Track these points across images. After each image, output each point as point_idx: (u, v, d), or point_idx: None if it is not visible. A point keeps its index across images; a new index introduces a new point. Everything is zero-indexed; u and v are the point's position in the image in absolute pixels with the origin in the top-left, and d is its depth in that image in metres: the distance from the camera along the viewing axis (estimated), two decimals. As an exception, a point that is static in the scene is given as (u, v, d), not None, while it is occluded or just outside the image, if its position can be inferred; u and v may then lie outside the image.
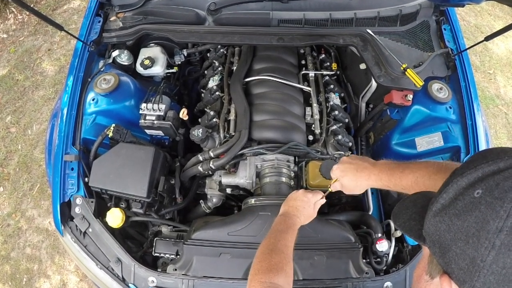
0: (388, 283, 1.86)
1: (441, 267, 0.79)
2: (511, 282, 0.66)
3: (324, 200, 1.80)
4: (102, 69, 2.43)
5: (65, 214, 2.07)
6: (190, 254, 1.86)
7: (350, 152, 2.30)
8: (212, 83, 2.57)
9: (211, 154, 2.15)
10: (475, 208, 0.70)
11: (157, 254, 2.03)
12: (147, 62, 2.55)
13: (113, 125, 2.13)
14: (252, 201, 2.00)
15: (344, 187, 1.63)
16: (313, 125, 2.33)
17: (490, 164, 0.74)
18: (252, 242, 1.83)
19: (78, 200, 2.07)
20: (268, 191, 2.07)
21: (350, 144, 2.33)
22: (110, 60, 2.53)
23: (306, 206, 1.73)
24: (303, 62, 2.74)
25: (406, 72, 2.18)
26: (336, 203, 2.44)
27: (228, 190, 2.25)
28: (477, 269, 0.68)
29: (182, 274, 1.85)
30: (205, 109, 2.48)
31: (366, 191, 2.35)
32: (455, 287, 0.75)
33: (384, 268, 1.99)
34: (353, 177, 1.57)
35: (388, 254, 2.00)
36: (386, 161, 1.50)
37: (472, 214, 0.70)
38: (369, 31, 2.32)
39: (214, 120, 2.29)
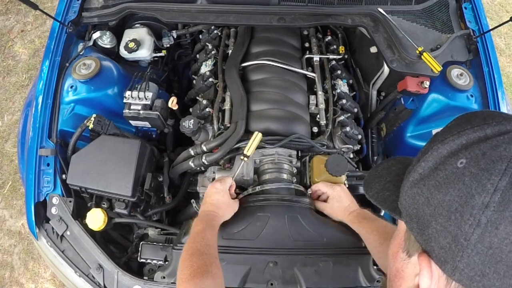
0: (402, 292, 1.86)
1: (419, 244, 0.78)
2: (498, 263, 0.66)
3: (234, 186, 1.93)
4: (81, 53, 2.42)
5: (40, 215, 2.07)
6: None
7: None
8: (205, 68, 2.56)
9: (204, 148, 2.14)
10: (458, 180, 0.70)
11: (143, 260, 2.02)
12: (132, 45, 2.53)
13: (94, 115, 2.13)
14: (249, 200, 2.00)
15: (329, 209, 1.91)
16: (318, 116, 2.32)
17: (476, 130, 0.73)
18: (250, 246, 1.82)
19: (55, 200, 2.07)
20: (268, 190, 2.06)
21: (360, 136, 2.32)
22: (91, 43, 2.52)
23: (219, 196, 1.81)
24: (306, 45, 2.73)
25: (422, 56, 2.17)
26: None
27: (223, 188, 2.24)
28: (460, 248, 0.68)
29: (171, 283, 1.84)
30: (197, 98, 2.47)
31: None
32: (435, 268, 0.74)
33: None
34: (338, 197, 1.91)
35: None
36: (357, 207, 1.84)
37: (454, 187, 0.70)
38: (380, 10, 2.31)
39: (207, 109, 2.28)
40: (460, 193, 0.68)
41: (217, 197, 1.81)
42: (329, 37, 2.78)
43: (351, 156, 2.37)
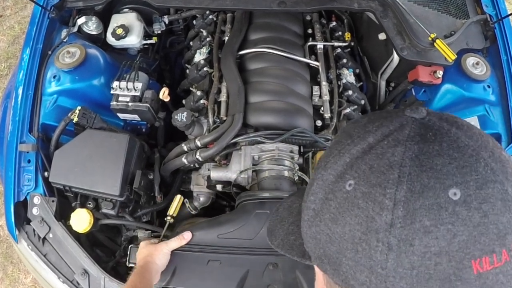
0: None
1: (339, 286, 0.73)
2: (429, 280, 0.61)
3: (188, 235, 1.88)
4: (65, 40, 2.41)
5: (20, 216, 2.06)
6: (172, 262, 1.85)
7: None
8: (199, 56, 2.56)
9: (198, 143, 2.14)
10: (352, 205, 0.65)
11: (132, 265, 2.00)
12: (120, 31, 2.52)
13: (79, 107, 2.11)
14: (246, 195, 2.00)
15: None
16: (322, 108, 2.32)
17: (357, 143, 0.69)
18: (248, 246, 1.82)
19: (36, 199, 2.06)
20: (267, 187, 2.06)
21: (367, 131, 2.31)
22: (75, 29, 2.51)
23: (156, 253, 1.81)
24: (309, 31, 2.72)
25: (435, 44, 2.17)
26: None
27: (219, 187, 2.24)
28: (381, 279, 0.63)
29: (162, 287, 1.85)
30: (191, 89, 2.47)
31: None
32: None
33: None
34: None
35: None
36: None
37: (351, 214, 0.66)
38: (390, -7, 2.31)
39: (202, 101, 2.28)
40: (358, 220, 0.64)
41: (154, 253, 1.82)
42: (334, 23, 2.77)
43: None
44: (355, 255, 0.65)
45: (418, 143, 0.64)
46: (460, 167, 0.62)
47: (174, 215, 2.02)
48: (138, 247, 2.03)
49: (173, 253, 1.85)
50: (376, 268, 0.63)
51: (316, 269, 0.81)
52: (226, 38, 2.58)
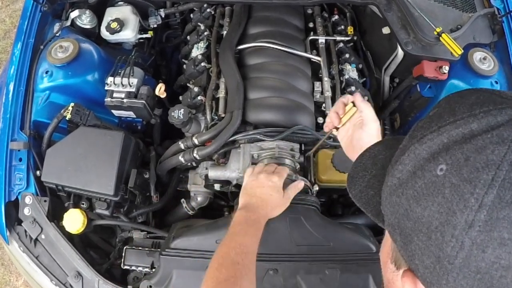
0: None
1: (404, 260, 0.74)
2: None
3: (303, 184, 1.81)
4: (57, 34, 2.40)
5: (12, 216, 2.06)
6: (169, 267, 1.84)
7: None
8: (197, 51, 2.54)
9: (195, 141, 2.13)
10: (438, 192, 0.64)
11: (127, 267, 2.01)
12: (114, 25, 2.52)
13: (72, 104, 2.11)
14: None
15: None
16: (324, 105, 2.32)
17: (459, 125, 0.66)
18: (247, 251, 1.82)
19: (28, 199, 2.05)
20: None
21: (370, 128, 2.31)
22: (68, 23, 2.51)
23: (273, 192, 1.72)
24: (311, 25, 2.72)
25: (440, 38, 2.16)
26: (353, 203, 2.42)
27: (217, 187, 2.24)
28: (444, 271, 0.64)
29: (159, 294, 1.84)
30: (188, 85, 2.46)
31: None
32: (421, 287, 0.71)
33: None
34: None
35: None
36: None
37: (434, 200, 0.64)
38: (394, -15, 2.31)
39: (199, 98, 2.27)
40: (440, 209, 0.63)
41: (271, 192, 1.73)
42: (336, 17, 2.76)
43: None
44: (427, 241, 0.65)
45: None
46: None
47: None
48: (133, 248, 2.03)
49: (170, 258, 1.85)
50: (443, 260, 0.63)
51: (386, 233, 0.82)
52: (225, 32, 2.57)
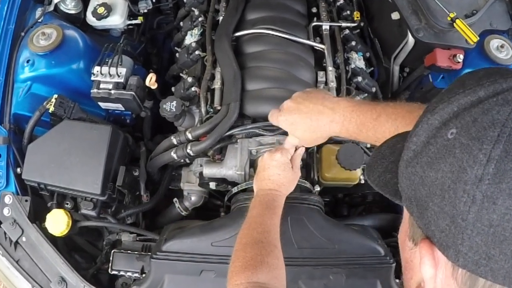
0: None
1: (421, 230, 0.81)
2: (503, 242, 0.67)
3: (303, 149, 1.85)
4: (40, 20, 2.41)
5: (-10, 217, 2.05)
6: (161, 271, 1.85)
7: None
8: (190, 38, 2.54)
9: (189, 136, 2.13)
10: (449, 153, 0.72)
11: (115, 272, 2.02)
12: (101, 10, 2.51)
13: (55, 96, 2.11)
14: (243, 199, 1.98)
15: (302, 141, 1.74)
16: (328, 96, 2.30)
17: (468, 94, 0.74)
18: (244, 255, 1.81)
19: (8, 199, 2.05)
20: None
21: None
22: (51, 8, 2.51)
23: (279, 171, 1.77)
24: (314, 10, 2.71)
25: (454, 24, 2.16)
26: (359, 203, 2.43)
27: (212, 185, 2.23)
28: (459, 230, 0.70)
29: (149, 301, 1.84)
30: (181, 74, 2.47)
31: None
32: (439, 255, 0.76)
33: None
34: (307, 128, 1.62)
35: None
36: (351, 100, 1.58)
37: (446, 162, 0.72)
38: (404, -33, 2.30)
39: (193, 89, 2.26)
40: (451, 168, 0.71)
41: (277, 171, 1.77)
42: (342, 1, 2.75)
43: (368, 145, 2.36)
44: (441, 202, 0.72)
45: None
46: None
47: None
48: (122, 252, 2.03)
49: (161, 262, 1.84)
50: (457, 218, 0.69)
51: (405, 210, 0.91)
52: (221, 18, 2.56)
